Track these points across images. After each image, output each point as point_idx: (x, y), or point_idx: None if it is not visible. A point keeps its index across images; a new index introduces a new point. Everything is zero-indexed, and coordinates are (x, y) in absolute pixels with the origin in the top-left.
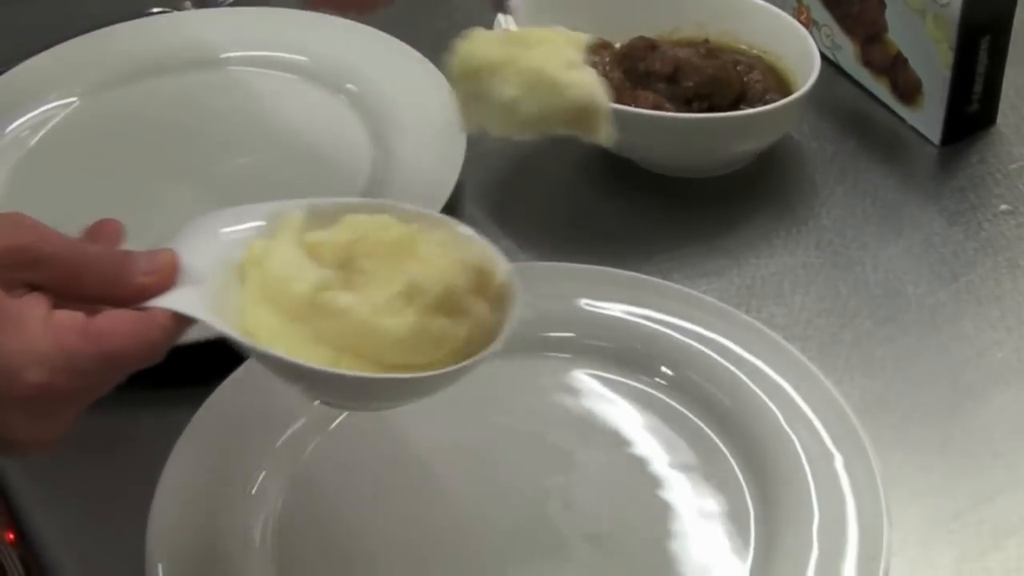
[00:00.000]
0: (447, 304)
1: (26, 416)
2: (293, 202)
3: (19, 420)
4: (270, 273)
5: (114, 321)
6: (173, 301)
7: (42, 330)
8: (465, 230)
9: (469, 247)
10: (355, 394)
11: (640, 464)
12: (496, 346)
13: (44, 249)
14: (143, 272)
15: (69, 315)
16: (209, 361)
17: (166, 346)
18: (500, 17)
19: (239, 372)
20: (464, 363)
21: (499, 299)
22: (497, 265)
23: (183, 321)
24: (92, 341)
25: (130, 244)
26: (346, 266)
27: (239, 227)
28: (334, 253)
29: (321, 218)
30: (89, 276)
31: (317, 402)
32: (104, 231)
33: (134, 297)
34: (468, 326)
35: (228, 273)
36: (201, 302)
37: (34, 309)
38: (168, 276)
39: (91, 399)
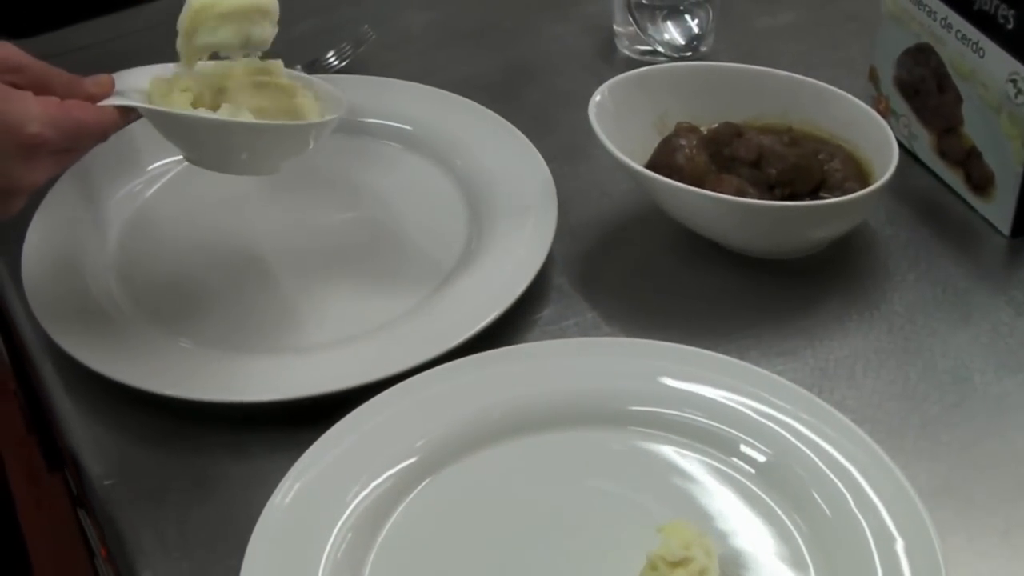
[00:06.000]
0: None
1: (23, 163)
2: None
3: (17, 167)
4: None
5: (81, 103)
6: (115, 100)
7: (33, 101)
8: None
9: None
10: (227, 141)
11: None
12: (337, 113)
13: (21, 60)
14: (92, 84)
15: (49, 97)
16: (304, 419)
17: (114, 126)
18: None
19: (330, 433)
20: (313, 121)
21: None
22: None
23: (124, 111)
24: (68, 111)
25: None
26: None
27: (144, 75)
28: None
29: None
30: (54, 84)
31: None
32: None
33: (87, 100)
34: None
35: (143, 95)
36: (133, 100)
37: (24, 91)
38: (108, 87)
39: (68, 158)
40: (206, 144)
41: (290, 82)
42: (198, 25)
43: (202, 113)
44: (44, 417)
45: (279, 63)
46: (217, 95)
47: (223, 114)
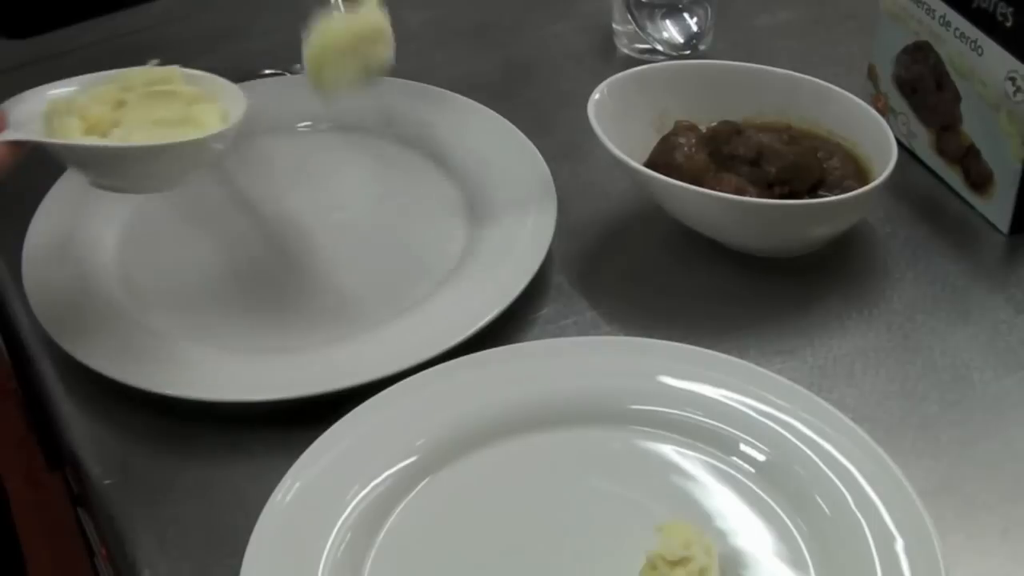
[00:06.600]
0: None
1: None
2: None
3: None
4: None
5: None
6: (7, 135)
7: None
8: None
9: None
10: (124, 165)
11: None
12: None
13: None
14: None
15: None
16: (304, 419)
17: (5, 167)
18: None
19: (330, 433)
20: (185, 139)
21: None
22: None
23: (18, 144)
24: None
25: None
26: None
27: (40, 97)
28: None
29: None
30: None
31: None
32: None
33: None
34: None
35: (40, 119)
36: (24, 134)
37: None
38: (1, 123)
39: None
40: (105, 169)
41: (189, 89)
42: (323, 64)
43: (94, 141)
44: (44, 417)
45: (175, 69)
46: (116, 109)
47: (115, 138)
